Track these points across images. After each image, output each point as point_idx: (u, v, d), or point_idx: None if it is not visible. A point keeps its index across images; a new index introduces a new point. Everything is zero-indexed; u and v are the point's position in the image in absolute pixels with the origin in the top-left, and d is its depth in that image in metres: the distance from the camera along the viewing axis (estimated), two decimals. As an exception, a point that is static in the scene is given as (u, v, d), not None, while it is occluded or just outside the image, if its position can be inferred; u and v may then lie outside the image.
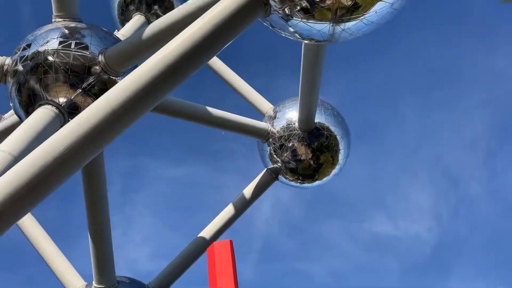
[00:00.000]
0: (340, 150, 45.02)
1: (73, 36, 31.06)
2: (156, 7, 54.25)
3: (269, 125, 46.02)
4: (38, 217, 43.66)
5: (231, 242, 50.78)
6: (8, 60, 31.20)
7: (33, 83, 29.59)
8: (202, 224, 46.25)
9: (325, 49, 35.97)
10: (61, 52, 30.04)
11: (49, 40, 30.49)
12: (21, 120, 31.17)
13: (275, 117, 46.28)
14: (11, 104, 32.16)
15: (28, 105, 30.20)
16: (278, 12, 25.72)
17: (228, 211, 45.88)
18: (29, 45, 30.73)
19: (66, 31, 31.31)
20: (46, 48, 29.98)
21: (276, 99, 48.90)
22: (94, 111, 21.06)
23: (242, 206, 46.09)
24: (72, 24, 32.13)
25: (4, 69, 30.91)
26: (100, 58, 30.68)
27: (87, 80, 30.00)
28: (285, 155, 44.77)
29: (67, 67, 29.65)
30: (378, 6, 24.95)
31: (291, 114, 45.07)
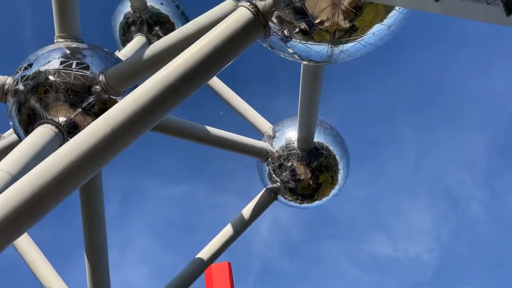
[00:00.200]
0: (339, 169, 45.10)
1: (75, 56, 31.52)
2: (157, 28, 55.18)
3: (268, 144, 46.36)
4: (34, 236, 43.20)
5: (229, 264, 50.09)
6: (9, 80, 31.54)
7: (33, 102, 29.86)
8: (200, 244, 45.87)
9: (323, 69, 36.47)
10: (62, 71, 30.42)
11: (50, 60, 30.95)
12: (20, 140, 31.27)
13: (274, 136, 46.61)
14: (10, 123, 32.31)
15: (28, 124, 30.38)
16: (277, 34, 26.22)
17: (227, 231, 45.56)
18: (30, 65, 31.15)
19: (68, 51, 31.80)
20: (48, 68, 30.42)
21: (275, 119, 49.38)
22: (93, 131, 21.13)
23: (241, 226, 45.81)
24: (74, 45, 32.67)
25: (5, 89, 31.21)
26: (101, 78, 31.25)
27: (87, 99, 30.28)
28: (284, 174, 44.81)
29: (68, 86, 29.98)
30: (375, 28, 25.47)
31: (290, 133, 45.61)
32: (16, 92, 30.41)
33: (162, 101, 22.21)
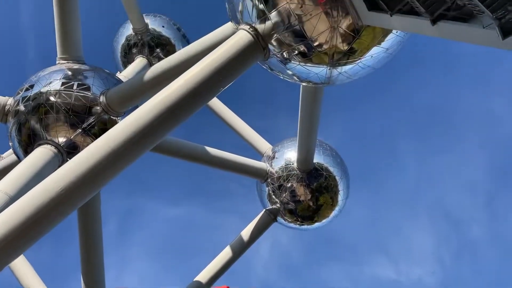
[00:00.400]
0: (339, 191, 44.85)
1: (76, 77, 31.86)
2: (158, 50, 55.93)
3: (268, 165, 46.27)
4: (30, 257, 42.59)
5: (227, 288, 49.23)
6: (10, 101, 31.77)
7: (33, 123, 30.00)
8: (198, 267, 45.17)
9: (322, 91, 36.76)
10: (63, 92, 30.65)
11: (52, 81, 31.25)
12: (19, 160, 31.22)
13: (274, 157, 46.56)
14: (10, 144, 32.34)
15: (28, 144, 30.41)
16: (277, 56, 26.53)
17: (226, 253, 44.95)
18: (32, 86, 31.43)
19: (69, 73, 32.16)
20: (49, 89, 30.66)
21: (274, 139, 49.47)
22: (93, 151, 21.08)
23: (240, 248, 45.22)
24: (76, 66, 33.07)
25: (6, 109, 31.42)
26: (102, 98, 31.52)
27: (87, 120, 30.42)
28: (284, 195, 44.54)
29: (68, 107, 30.17)
30: (373, 51, 25.79)
31: (290, 154, 45.60)
32: (16, 113, 30.60)
33: (162, 122, 22.27)
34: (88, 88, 31.15)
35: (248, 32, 24.72)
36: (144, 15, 56.57)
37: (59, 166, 27.21)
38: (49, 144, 29.27)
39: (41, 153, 28.62)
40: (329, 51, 24.78)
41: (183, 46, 50.56)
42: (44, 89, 30.70)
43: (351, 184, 46.37)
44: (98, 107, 30.60)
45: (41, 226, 19.59)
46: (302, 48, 24.97)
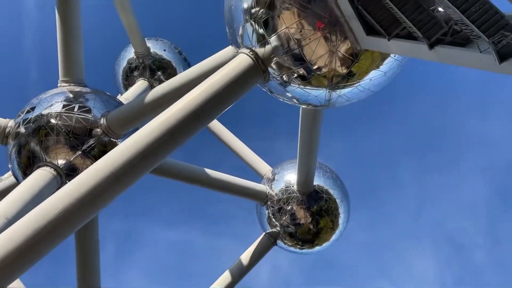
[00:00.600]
0: (339, 213, 44.48)
1: (77, 99, 32.09)
2: (159, 73, 56.62)
3: (267, 187, 46.06)
4: (26, 281, 41.83)
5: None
6: (11, 123, 31.88)
7: (33, 145, 30.02)
8: (197, 292, 44.28)
9: (322, 113, 36.98)
10: (64, 115, 30.82)
11: (53, 104, 31.47)
12: (18, 182, 31.08)
13: (273, 179, 46.36)
14: (9, 166, 32.29)
15: (27, 167, 30.35)
16: (277, 79, 26.80)
17: (225, 278, 44.12)
18: (33, 108, 31.64)
19: (71, 95, 32.40)
20: (50, 111, 30.84)
21: (274, 161, 49.40)
22: (92, 174, 21.00)
23: (240, 273, 44.40)
24: (77, 89, 33.35)
25: (6, 131, 31.50)
26: (102, 121, 31.67)
27: (87, 142, 30.47)
28: (284, 218, 44.12)
29: (69, 129, 30.28)
30: (372, 74, 26.08)
31: (290, 176, 45.42)
32: (17, 135, 30.68)
33: (161, 145, 22.29)
34: (89, 111, 31.35)
35: (248, 55, 25.07)
36: (146, 39, 57.53)
37: (58, 188, 27.04)
38: (49, 166, 29.22)
39: (40, 175, 28.54)
40: (328, 75, 25.05)
41: (184, 69, 51.26)
42: (45, 112, 30.88)
43: (351, 206, 46.07)
44: (98, 130, 30.71)
45: (38, 249, 19.33)
46: (302, 71, 25.25)
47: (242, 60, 25.10)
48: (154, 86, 49.11)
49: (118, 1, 50.14)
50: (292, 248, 45.87)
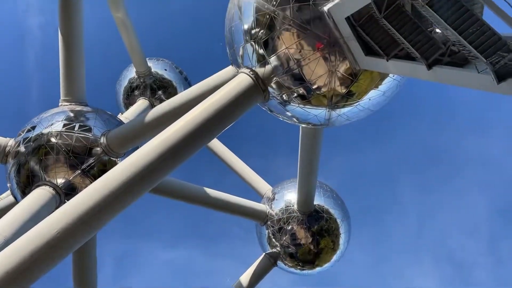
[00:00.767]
0: (340, 233, 43.98)
1: (78, 119, 32.21)
2: (160, 92, 57.04)
3: (267, 207, 45.66)
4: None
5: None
6: (11, 142, 31.89)
7: (33, 164, 29.96)
8: (196, 314, 43.41)
9: (322, 132, 37.02)
10: (64, 134, 30.87)
11: (53, 123, 31.56)
12: (17, 202, 30.88)
13: (273, 198, 45.99)
14: (8, 185, 32.13)
15: (26, 186, 30.19)
16: (277, 98, 26.93)
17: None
18: (33, 127, 31.71)
19: (71, 114, 32.54)
20: (50, 130, 30.91)
21: (274, 180, 49.16)
22: (91, 193, 20.82)
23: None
24: (78, 108, 33.51)
25: (6, 150, 31.49)
26: (102, 140, 31.66)
27: (87, 161, 30.41)
28: (284, 238, 43.60)
29: (69, 148, 30.27)
30: (371, 94, 26.22)
31: (290, 196, 45.10)
32: (17, 154, 30.68)
33: (161, 164, 22.23)
34: (89, 130, 31.43)
35: (248, 75, 25.28)
36: (147, 58, 58.17)
37: (57, 208, 26.87)
38: (47, 185, 29.11)
39: (39, 194, 28.38)
40: (328, 94, 25.19)
41: (185, 89, 51.57)
42: (45, 131, 30.96)
43: (352, 225, 45.62)
44: (98, 148, 30.72)
45: (35, 270, 19.03)
46: (301, 90, 25.40)
47: (242, 79, 25.29)
48: (154, 106, 49.38)
49: (120, 21, 50.90)
50: (292, 269, 45.21)
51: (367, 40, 21.76)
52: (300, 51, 23.78)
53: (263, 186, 48.27)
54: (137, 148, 25.78)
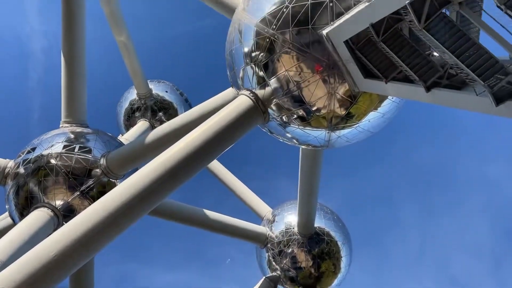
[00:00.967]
0: (341, 257, 43.33)
1: (78, 140, 32.28)
2: (160, 114, 57.34)
3: (267, 229, 45.17)
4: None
5: None
6: (10, 163, 31.86)
7: (32, 185, 29.84)
8: None
9: (322, 153, 36.99)
10: (64, 155, 30.86)
11: (54, 144, 31.61)
12: (14, 224, 30.62)
13: (274, 221, 45.52)
14: (7, 206, 31.91)
15: (24, 207, 29.97)
16: (276, 120, 27.06)
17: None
18: (33, 149, 31.73)
19: (72, 136, 32.62)
20: (50, 152, 30.91)
21: (275, 202, 48.77)
22: (89, 215, 20.61)
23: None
24: (78, 129, 33.61)
25: (6, 172, 31.42)
26: (102, 161, 31.68)
27: (86, 182, 30.29)
28: (285, 261, 42.92)
29: (68, 170, 30.21)
30: (371, 116, 26.35)
31: (290, 218, 44.70)
32: (16, 175, 30.60)
33: (161, 185, 22.11)
34: (89, 151, 31.45)
35: (248, 97, 25.46)
36: (148, 80, 58.73)
37: (55, 230, 26.58)
38: (46, 206, 28.92)
39: (37, 216, 28.15)
40: (328, 116, 25.30)
41: (186, 110, 51.85)
42: (45, 152, 30.97)
43: (353, 248, 44.99)
44: (98, 170, 30.68)
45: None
46: (301, 112, 25.52)
47: (242, 101, 25.45)
48: (155, 127, 49.54)
49: (122, 44, 51.64)
50: (293, 294, 44.35)
51: (365, 63, 22.00)
52: (299, 74, 24.03)
53: (263, 208, 47.89)
54: (136, 170, 25.69)
